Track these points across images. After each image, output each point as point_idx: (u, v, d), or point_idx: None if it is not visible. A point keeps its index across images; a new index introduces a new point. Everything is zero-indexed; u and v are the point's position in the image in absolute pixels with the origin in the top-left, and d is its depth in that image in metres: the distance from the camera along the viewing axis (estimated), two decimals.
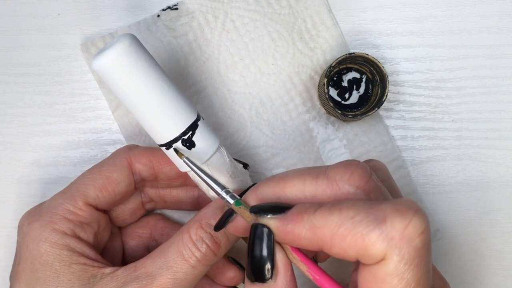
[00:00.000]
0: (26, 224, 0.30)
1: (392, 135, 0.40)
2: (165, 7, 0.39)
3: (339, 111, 0.36)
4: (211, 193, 0.31)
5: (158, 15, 0.39)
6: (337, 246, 0.21)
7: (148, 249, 0.36)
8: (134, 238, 0.36)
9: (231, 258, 0.35)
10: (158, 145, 0.30)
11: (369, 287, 0.21)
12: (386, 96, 0.36)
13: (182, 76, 0.39)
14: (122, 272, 0.28)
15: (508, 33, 0.40)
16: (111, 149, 0.39)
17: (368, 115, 0.36)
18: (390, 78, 0.39)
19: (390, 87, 0.39)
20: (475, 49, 0.40)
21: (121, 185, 0.32)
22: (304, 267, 0.24)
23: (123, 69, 0.27)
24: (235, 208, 0.26)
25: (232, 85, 0.39)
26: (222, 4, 0.39)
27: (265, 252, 0.23)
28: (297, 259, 0.24)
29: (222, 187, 0.27)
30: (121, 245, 0.35)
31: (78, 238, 0.30)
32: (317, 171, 0.25)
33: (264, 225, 0.24)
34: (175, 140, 0.29)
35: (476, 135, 0.40)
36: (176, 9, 0.39)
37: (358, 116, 0.36)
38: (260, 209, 0.24)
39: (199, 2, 0.39)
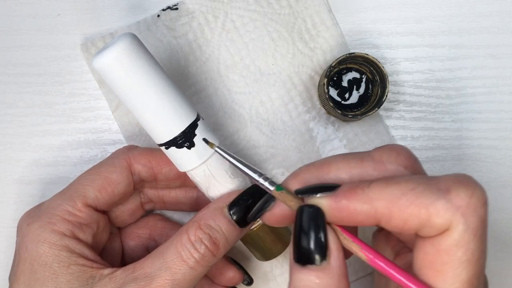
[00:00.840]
0: (25, 225, 0.30)
1: (392, 135, 0.40)
2: (165, 7, 0.39)
3: (339, 111, 0.36)
4: (211, 194, 0.31)
5: (158, 15, 0.39)
6: (397, 217, 0.21)
7: (147, 249, 0.36)
8: (134, 238, 0.36)
9: (230, 258, 0.35)
10: (158, 144, 0.30)
11: (431, 261, 0.21)
12: (386, 96, 0.36)
13: (182, 76, 0.39)
14: (120, 273, 0.28)
15: (508, 33, 0.40)
16: (111, 149, 0.39)
17: (368, 115, 0.36)
18: (390, 78, 0.39)
19: (390, 87, 0.39)
20: (475, 49, 0.40)
21: (120, 185, 0.32)
22: (356, 247, 0.23)
23: (124, 68, 0.27)
24: (276, 194, 0.25)
25: (232, 85, 0.39)
26: (222, 4, 0.39)
27: (317, 233, 0.22)
28: (348, 240, 0.23)
29: (260, 173, 0.26)
30: (120, 245, 0.35)
31: (77, 239, 0.30)
32: (361, 155, 0.24)
33: (313, 206, 0.23)
34: (174, 140, 0.29)
35: (476, 135, 0.40)
36: (176, 9, 0.39)
37: (358, 116, 0.36)
38: (308, 190, 0.23)
39: (199, 2, 0.39)
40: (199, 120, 0.30)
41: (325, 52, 0.39)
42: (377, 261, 0.22)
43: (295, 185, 0.25)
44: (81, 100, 0.39)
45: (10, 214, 0.39)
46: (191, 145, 0.30)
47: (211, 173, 0.31)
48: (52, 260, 0.29)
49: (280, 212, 0.25)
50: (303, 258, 0.22)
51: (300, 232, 0.23)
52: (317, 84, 0.39)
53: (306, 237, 0.22)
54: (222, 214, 0.30)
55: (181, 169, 0.31)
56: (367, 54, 0.36)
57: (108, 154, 0.39)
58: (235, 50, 0.39)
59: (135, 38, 0.28)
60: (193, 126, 0.30)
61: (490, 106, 0.40)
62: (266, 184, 0.25)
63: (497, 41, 0.40)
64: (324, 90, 0.36)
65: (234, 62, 0.39)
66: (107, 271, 0.29)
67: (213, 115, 0.39)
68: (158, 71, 0.29)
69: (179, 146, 0.29)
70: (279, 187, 0.25)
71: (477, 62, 0.40)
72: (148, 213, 0.38)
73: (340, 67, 0.39)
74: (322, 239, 0.22)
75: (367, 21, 0.40)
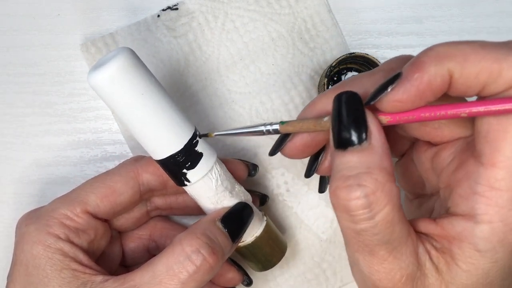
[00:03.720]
0: (23, 226, 0.30)
1: None
2: (165, 7, 0.39)
3: None
4: (208, 206, 0.31)
5: (158, 15, 0.39)
6: (468, 72, 0.21)
7: (148, 250, 0.36)
8: (134, 240, 0.35)
9: (229, 259, 0.35)
10: (155, 160, 0.30)
11: (494, 129, 0.21)
12: None
13: (182, 76, 0.39)
14: (111, 283, 0.28)
15: (508, 33, 0.40)
16: (111, 149, 0.39)
17: None
18: None
19: None
20: None
21: (124, 196, 0.31)
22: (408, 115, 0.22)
23: (120, 86, 0.26)
24: (284, 129, 0.25)
25: (232, 85, 0.39)
26: (222, 4, 0.39)
27: (356, 116, 0.22)
28: (388, 118, 0.23)
29: (258, 128, 0.26)
30: (120, 248, 0.35)
31: (72, 243, 0.29)
32: (371, 70, 0.25)
33: (348, 91, 0.23)
34: (171, 157, 0.29)
35: None
36: (176, 9, 0.39)
37: None
38: (376, 93, 0.22)
39: (199, 2, 0.39)
40: (196, 137, 0.30)
41: (325, 52, 0.39)
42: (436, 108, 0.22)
43: (314, 113, 0.25)
44: (81, 100, 0.39)
45: (10, 214, 0.39)
46: (193, 161, 0.29)
47: (194, 196, 0.31)
48: (45, 262, 0.28)
49: (301, 140, 0.26)
50: (344, 142, 0.22)
51: (338, 118, 0.23)
52: (317, 84, 0.39)
53: (345, 121, 0.22)
54: (216, 226, 0.29)
55: (179, 185, 0.31)
56: (367, 54, 0.36)
57: (108, 154, 0.39)
58: (235, 50, 0.39)
59: (132, 53, 0.27)
60: (191, 143, 0.29)
61: None
62: (271, 128, 0.26)
63: (497, 41, 0.40)
64: (324, 90, 0.36)
65: (234, 62, 0.39)
66: (99, 278, 0.28)
67: (213, 115, 0.39)
68: (155, 87, 0.28)
69: (178, 164, 0.29)
70: (283, 122, 0.25)
71: None
72: None
73: (340, 67, 0.39)
74: (361, 120, 0.22)
75: (367, 21, 0.40)
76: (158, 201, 0.35)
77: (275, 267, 0.35)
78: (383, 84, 0.22)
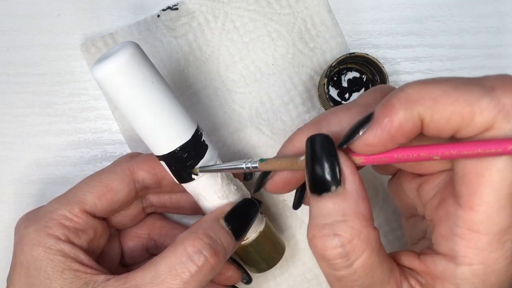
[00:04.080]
0: (22, 227, 0.30)
1: None
2: (165, 7, 0.39)
3: None
4: (212, 203, 0.31)
5: (158, 15, 0.39)
6: (439, 117, 0.20)
7: (147, 249, 0.36)
8: (133, 238, 0.35)
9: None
10: (156, 156, 0.30)
11: (472, 169, 0.20)
12: None
13: (182, 76, 0.39)
14: (113, 283, 0.28)
15: (508, 33, 0.40)
16: (111, 149, 0.39)
17: None
18: (390, 78, 0.39)
19: None
20: (475, 49, 0.40)
21: (121, 193, 0.32)
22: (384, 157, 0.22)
23: (126, 79, 0.26)
24: (263, 166, 0.25)
25: (232, 85, 0.39)
26: (222, 4, 0.39)
27: (328, 160, 0.22)
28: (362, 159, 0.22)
29: (239, 165, 0.27)
30: (119, 247, 0.35)
31: (72, 243, 0.30)
32: (347, 104, 0.24)
33: (320, 134, 0.22)
34: (172, 153, 0.29)
35: None
36: (176, 9, 0.39)
37: None
38: (348, 136, 0.22)
39: (199, 2, 0.39)
40: (198, 133, 0.30)
41: (325, 52, 0.39)
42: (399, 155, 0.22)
43: (292, 150, 0.25)
44: (81, 100, 0.39)
45: (10, 214, 0.39)
46: (198, 155, 0.29)
47: (199, 191, 0.31)
48: (47, 264, 0.28)
49: (280, 177, 0.26)
50: (318, 188, 0.22)
51: (312, 161, 0.22)
52: (317, 84, 0.39)
53: (318, 166, 0.22)
54: (219, 225, 0.29)
55: (176, 181, 0.31)
56: (367, 54, 0.36)
57: (108, 154, 0.39)
58: (235, 50, 0.39)
59: (137, 47, 0.27)
60: (194, 139, 0.29)
61: None
62: (251, 165, 0.26)
63: (497, 41, 0.40)
64: (324, 90, 0.36)
65: (234, 62, 0.39)
66: (101, 278, 0.28)
67: (213, 115, 0.39)
68: (160, 82, 0.28)
69: (180, 159, 0.29)
70: (262, 159, 0.25)
71: (477, 62, 0.40)
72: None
73: (340, 67, 0.39)
74: (335, 165, 0.22)
75: (367, 21, 0.40)
76: (153, 198, 0.35)
77: (275, 267, 0.35)
78: (354, 126, 0.22)
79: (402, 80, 0.40)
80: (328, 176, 0.22)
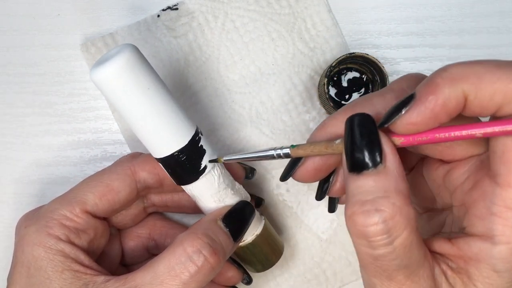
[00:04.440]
0: (23, 227, 0.30)
1: None
2: (165, 7, 0.39)
3: None
4: (209, 205, 0.31)
5: (158, 15, 0.39)
6: (483, 94, 0.20)
7: (147, 249, 0.36)
8: (133, 238, 0.35)
9: (229, 257, 0.35)
10: (155, 158, 0.30)
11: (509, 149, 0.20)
12: None
13: (182, 76, 0.39)
14: (112, 283, 0.28)
15: (508, 33, 0.40)
16: (111, 149, 0.39)
17: None
18: (390, 78, 0.39)
19: None
20: (475, 49, 0.40)
21: (121, 194, 0.31)
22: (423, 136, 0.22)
23: (123, 83, 0.26)
24: (295, 152, 0.25)
25: (232, 85, 0.39)
26: (222, 4, 0.39)
27: (369, 138, 0.22)
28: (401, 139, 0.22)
29: (268, 152, 0.26)
30: (119, 247, 0.35)
31: (73, 244, 0.30)
32: (380, 90, 0.24)
33: (361, 113, 0.22)
34: (170, 157, 0.29)
35: None
36: (176, 9, 0.39)
37: None
38: (390, 115, 0.22)
39: (199, 2, 0.39)
40: (197, 137, 0.29)
41: (325, 52, 0.39)
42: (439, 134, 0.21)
43: (324, 136, 0.25)
44: (81, 100, 0.39)
45: (10, 214, 0.39)
46: (198, 155, 0.29)
47: (195, 194, 0.31)
48: (47, 264, 0.28)
49: (312, 164, 0.25)
50: (358, 166, 0.22)
51: (352, 140, 0.22)
52: (317, 84, 0.39)
53: (359, 144, 0.22)
54: (218, 225, 0.29)
55: (176, 183, 0.31)
56: (367, 54, 0.36)
57: (108, 154, 0.39)
58: (235, 50, 0.39)
59: (135, 50, 0.27)
60: (193, 141, 0.29)
61: None
62: (282, 152, 0.26)
63: (497, 41, 0.40)
64: (324, 90, 0.36)
65: (234, 62, 0.39)
66: (100, 279, 0.28)
67: (213, 115, 0.39)
68: (159, 84, 0.28)
69: (177, 163, 0.29)
70: (293, 145, 0.25)
71: None
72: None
73: (340, 67, 0.39)
74: (376, 143, 0.22)
75: (367, 21, 0.40)
76: (154, 198, 0.35)
77: (275, 267, 0.35)
78: (396, 106, 0.22)
79: None
80: (369, 154, 0.22)
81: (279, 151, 0.26)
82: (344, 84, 0.39)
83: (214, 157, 0.30)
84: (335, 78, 0.39)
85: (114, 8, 0.40)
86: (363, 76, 0.39)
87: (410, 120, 0.21)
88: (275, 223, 0.39)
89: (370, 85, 0.39)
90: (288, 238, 0.39)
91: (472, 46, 0.40)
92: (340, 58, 0.36)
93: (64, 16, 0.40)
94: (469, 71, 0.20)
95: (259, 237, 0.33)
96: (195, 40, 0.39)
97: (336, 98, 0.39)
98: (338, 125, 0.25)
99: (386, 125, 0.22)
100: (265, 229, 0.33)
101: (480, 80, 0.20)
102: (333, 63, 0.36)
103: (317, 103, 0.39)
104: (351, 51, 0.40)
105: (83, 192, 0.31)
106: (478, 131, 0.21)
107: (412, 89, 0.22)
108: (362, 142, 0.22)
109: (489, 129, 0.21)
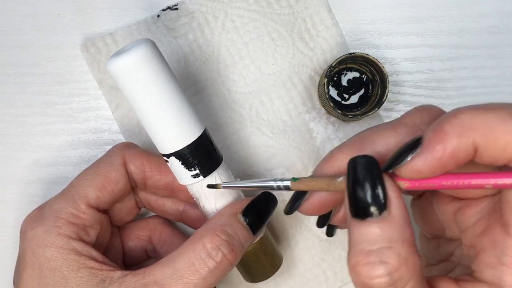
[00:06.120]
0: (29, 230, 0.30)
1: None
2: (165, 7, 0.39)
3: (339, 111, 0.36)
4: (208, 208, 0.31)
5: (158, 15, 0.39)
6: (495, 145, 0.19)
7: (146, 251, 0.36)
8: (133, 239, 0.35)
9: None
10: (161, 154, 0.30)
11: None
12: (386, 96, 0.36)
13: (182, 76, 0.39)
14: (130, 278, 0.28)
15: (508, 33, 0.40)
16: None
17: (368, 115, 0.36)
18: (390, 78, 0.39)
19: (390, 87, 0.39)
20: (475, 49, 0.40)
21: (119, 184, 0.32)
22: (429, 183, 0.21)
23: (142, 74, 0.27)
24: (296, 186, 0.24)
25: (232, 85, 0.39)
26: (222, 4, 0.39)
27: (373, 183, 0.21)
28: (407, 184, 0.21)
29: (270, 181, 0.26)
30: (121, 244, 0.35)
31: (83, 241, 0.30)
32: (391, 124, 0.24)
33: (365, 156, 0.21)
34: (180, 151, 0.29)
35: None
36: (176, 9, 0.39)
37: (358, 116, 0.36)
38: (394, 160, 0.21)
39: (199, 2, 0.39)
40: (206, 133, 0.30)
41: (325, 52, 0.39)
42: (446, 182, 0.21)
43: (330, 170, 0.24)
44: (81, 100, 0.39)
45: (10, 214, 0.39)
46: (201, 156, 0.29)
47: (204, 193, 0.31)
48: (61, 264, 0.28)
49: (318, 198, 0.25)
50: (361, 212, 0.21)
51: (354, 184, 0.21)
52: (317, 84, 0.39)
53: (362, 189, 0.21)
54: (237, 220, 0.29)
55: (182, 182, 0.31)
56: (367, 54, 0.36)
57: None
58: (235, 50, 0.39)
59: (153, 44, 0.28)
60: (200, 139, 0.29)
61: None
62: (282, 184, 0.25)
63: (497, 41, 0.40)
64: (324, 90, 0.36)
65: (234, 62, 0.39)
66: (117, 274, 0.28)
67: (213, 115, 0.39)
68: (173, 80, 0.28)
69: (185, 159, 0.29)
70: (295, 178, 0.25)
71: (477, 62, 0.40)
72: (150, 214, 0.38)
73: (340, 67, 0.39)
74: (380, 188, 0.21)
75: (367, 21, 0.40)
76: (141, 194, 0.35)
77: None
78: (402, 150, 0.21)
79: (402, 80, 0.40)
80: (373, 200, 0.21)
81: (279, 183, 0.25)
82: (344, 84, 0.39)
83: (221, 152, 0.31)
84: (335, 78, 0.39)
85: (114, 8, 0.40)
86: (363, 76, 0.39)
87: (416, 167, 0.21)
88: (276, 223, 0.39)
89: (370, 85, 0.39)
90: (288, 238, 0.39)
91: (472, 46, 0.40)
92: (340, 58, 0.36)
93: (64, 16, 0.40)
94: (480, 121, 0.19)
95: (261, 240, 0.32)
96: (195, 40, 0.39)
97: (336, 98, 0.39)
98: (343, 159, 0.24)
99: (390, 170, 0.22)
100: (265, 233, 0.33)
101: (492, 131, 0.19)
102: (333, 63, 0.36)
103: (317, 103, 0.39)
104: (351, 51, 0.40)
105: (83, 187, 0.31)
106: (488, 182, 0.20)
107: (426, 125, 0.21)
108: (366, 187, 0.21)
109: (500, 181, 0.20)
